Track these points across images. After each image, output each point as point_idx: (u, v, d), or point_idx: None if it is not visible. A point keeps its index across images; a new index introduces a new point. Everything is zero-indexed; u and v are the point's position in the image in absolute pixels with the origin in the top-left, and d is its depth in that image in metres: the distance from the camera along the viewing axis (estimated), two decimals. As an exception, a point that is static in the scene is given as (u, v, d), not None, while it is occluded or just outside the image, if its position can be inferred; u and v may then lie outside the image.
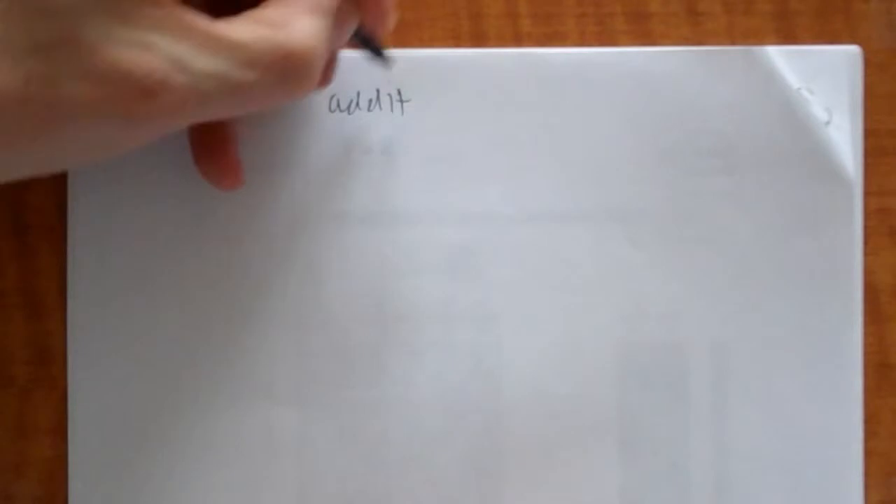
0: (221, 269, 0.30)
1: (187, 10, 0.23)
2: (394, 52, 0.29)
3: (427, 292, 0.30)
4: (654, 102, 0.30)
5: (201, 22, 0.23)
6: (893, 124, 0.31)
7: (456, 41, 0.31)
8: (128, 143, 0.24)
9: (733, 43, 0.31)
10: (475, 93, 0.30)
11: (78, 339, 0.30)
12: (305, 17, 0.24)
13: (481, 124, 0.30)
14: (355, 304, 0.30)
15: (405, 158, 0.30)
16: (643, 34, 0.31)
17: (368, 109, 0.30)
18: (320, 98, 0.30)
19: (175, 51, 0.22)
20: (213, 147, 0.29)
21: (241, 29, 0.23)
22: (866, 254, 0.31)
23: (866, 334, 0.31)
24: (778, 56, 0.30)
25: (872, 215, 0.31)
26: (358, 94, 0.30)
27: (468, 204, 0.30)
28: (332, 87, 0.29)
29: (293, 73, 0.24)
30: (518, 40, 0.31)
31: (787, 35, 0.31)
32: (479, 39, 0.31)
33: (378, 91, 0.30)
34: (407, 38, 0.31)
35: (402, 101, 0.30)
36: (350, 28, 0.26)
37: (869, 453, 0.30)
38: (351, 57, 0.29)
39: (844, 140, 0.30)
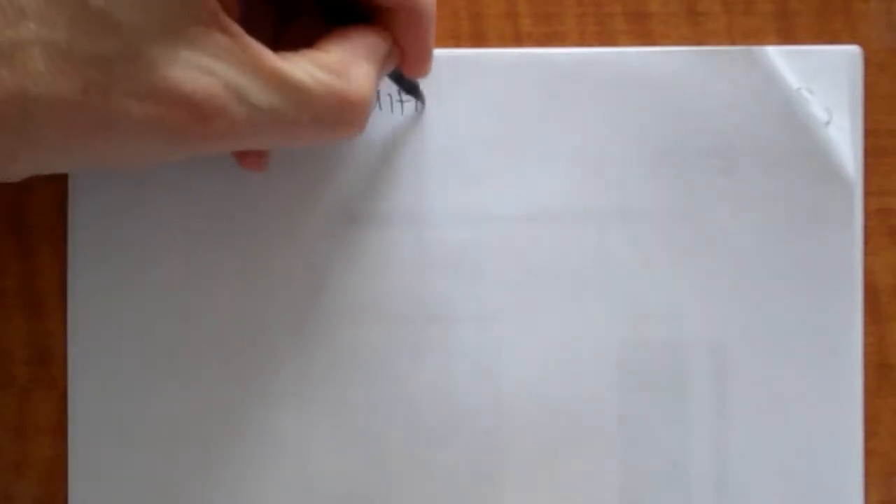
0: (221, 270, 0.30)
1: (252, 42, 0.23)
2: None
3: (427, 292, 0.30)
4: (654, 102, 0.30)
5: (265, 55, 0.23)
6: (893, 124, 0.31)
7: (456, 41, 0.31)
8: (170, 158, 0.24)
9: (733, 43, 0.31)
10: (475, 93, 0.30)
11: (78, 339, 0.30)
12: (363, 64, 0.25)
13: (481, 124, 0.30)
14: (355, 304, 0.30)
15: (405, 158, 0.30)
16: (643, 34, 0.31)
17: (368, 109, 0.30)
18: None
19: (236, 80, 0.23)
20: None
21: (302, 69, 0.24)
22: (866, 254, 0.31)
23: (866, 334, 0.31)
24: (778, 56, 0.30)
25: (872, 215, 0.31)
26: (358, 94, 0.30)
27: (468, 204, 0.30)
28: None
29: (348, 119, 0.24)
30: (518, 40, 0.31)
31: (787, 35, 0.31)
32: (479, 39, 0.31)
33: (378, 91, 0.30)
34: (407, 38, 0.31)
35: (401, 101, 0.30)
36: (389, 69, 0.27)
37: (869, 453, 0.30)
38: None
39: (844, 140, 0.30)
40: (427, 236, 0.30)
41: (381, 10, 0.26)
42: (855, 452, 0.30)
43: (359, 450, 0.30)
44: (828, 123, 0.30)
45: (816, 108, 0.30)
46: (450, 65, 0.30)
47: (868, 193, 0.31)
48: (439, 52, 0.30)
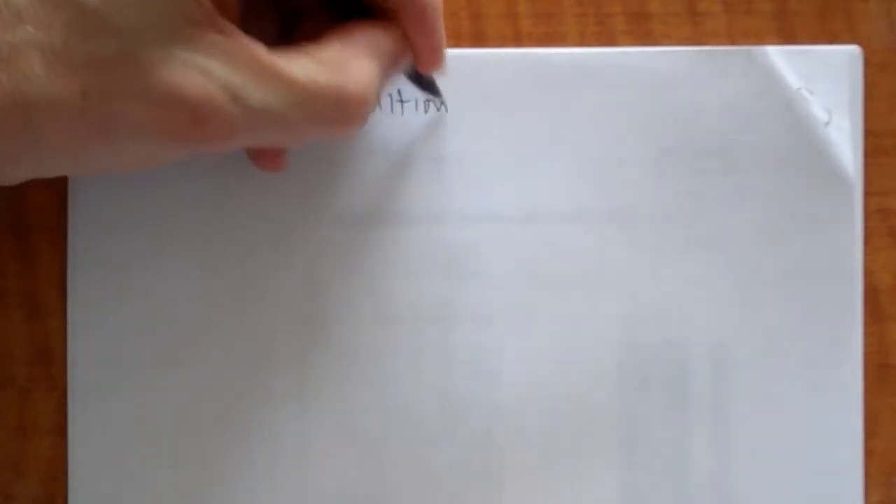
0: (221, 270, 0.30)
1: (249, 41, 0.23)
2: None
3: (426, 292, 0.30)
4: (654, 102, 0.30)
5: (262, 54, 0.23)
6: (893, 124, 0.31)
7: (456, 41, 0.31)
8: (170, 159, 0.24)
9: (733, 43, 0.31)
10: (475, 93, 0.30)
11: (78, 339, 0.30)
12: (364, 60, 0.24)
13: (481, 124, 0.30)
14: (355, 304, 0.30)
15: (405, 159, 0.30)
16: (643, 34, 0.31)
17: (368, 109, 0.30)
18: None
19: (232, 80, 0.23)
20: None
21: (299, 66, 0.23)
22: (866, 254, 0.31)
23: (866, 334, 0.31)
24: (778, 56, 0.30)
25: (872, 215, 0.31)
26: (358, 94, 0.30)
27: (468, 204, 0.30)
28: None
29: (346, 116, 0.24)
30: (518, 40, 0.31)
31: (788, 35, 0.31)
32: (479, 39, 0.31)
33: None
34: (407, 38, 0.31)
35: (402, 102, 0.30)
36: (401, 69, 0.27)
37: (869, 453, 0.30)
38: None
39: (844, 140, 0.30)
40: (427, 236, 0.30)
41: (387, 7, 0.26)
42: (855, 452, 0.30)
43: (358, 450, 0.30)
44: (828, 124, 0.30)
45: (816, 108, 0.30)
46: (450, 65, 0.30)
47: (868, 193, 0.31)
48: (439, 53, 0.30)
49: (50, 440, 0.30)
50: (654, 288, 0.30)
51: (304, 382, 0.30)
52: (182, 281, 0.30)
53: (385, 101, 0.30)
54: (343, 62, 0.24)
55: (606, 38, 0.31)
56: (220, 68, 0.22)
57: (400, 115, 0.30)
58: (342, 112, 0.24)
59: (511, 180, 0.30)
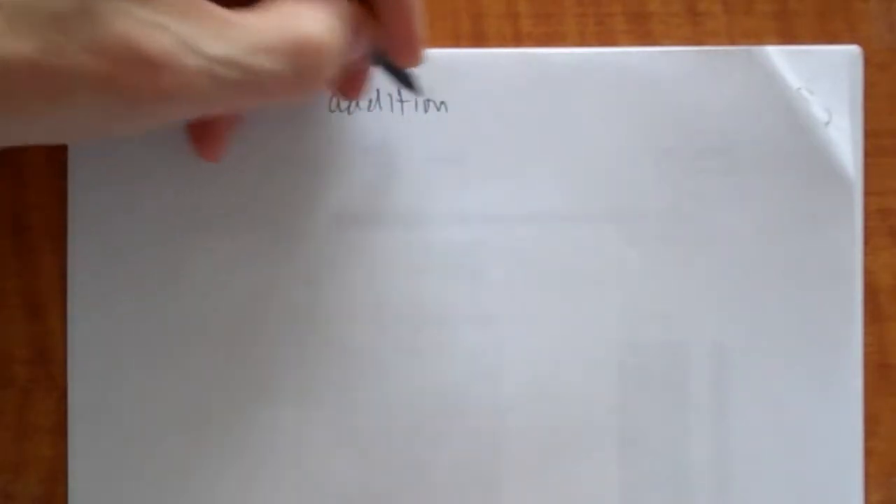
0: (221, 270, 0.30)
1: None
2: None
3: (426, 292, 0.30)
4: (654, 102, 0.30)
5: (216, 9, 0.23)
6: (893, 124, 0.31)
7: (456, 41, 0.31)
8: (135, 123, 0.24)
9: (733, 43, 0.31)
10: (475, 93, 0.30)
11: (78, 339, 0.30)
12: (320, 13, 0.24)
13: (481, 124, 0.30)
14: (355, 304, 0.30)
15: (405, 158, 0.30)
16: (643, 34, 0.31)
17: (368, 109, 0.30)
18: (319, 98, 0.30)
19: (188, 34, 0.23)
20: (209, 120, 0.29)
21: (254, 17, 0.23)
22: (866, 254, 0.31)
23: (866, 334, 0.31)
24: (778, 56, 0.30)
25: (872, 215, 0.31)
26: (358, 94, 0.30)
27: (468, 204, 0.30)
28: (332, 87, 0.29)
29: (304, 63, 0.24)
30: (518, 40, 0.31)
31: (788, 35, 0.31)
32: (479, 39, 0.31)
33: (378, 91, 0.30)
34: (407, 38, 0.31)
35: (401, 102, 0.30)
36: (368, 42, 0.26)
37: (869, 453, 0.30)
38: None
39: (844, 140, 0.30)
40: (427, 237, 0.30)
41: None
42: (855, 452, 0.30)
43: (358, 450, 0.30)
44: (828, 123, 0.30)
45: (816, 108, 0.30)
46: (450, 65, 0.30)
47: (868, 193, 0.31)
48: (439, 52, 0.30)
49: (50, 440, 0.30)
50: (654, 287, 0.30)
51: (304, 382, 0.30)
52: (182, 281, 0.30)
53: (385, 100, 0.30)
54: (297, 11, 0.24)
55: (606, 38, 0.31)
56: (175, 22, 0.22)
57: (400, 115, 0.30)
58: (300, 57, 0.24)
59: (511, 180, 0.30)
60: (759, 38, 0.31)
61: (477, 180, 0.30)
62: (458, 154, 0.30)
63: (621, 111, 0.30)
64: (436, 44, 0.31)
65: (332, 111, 0.30)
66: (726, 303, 0.30)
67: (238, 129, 0.30)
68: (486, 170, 0.30)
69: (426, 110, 0.30)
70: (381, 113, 0.30)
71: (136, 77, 0.22)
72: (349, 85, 0.29)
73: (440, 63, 0.30)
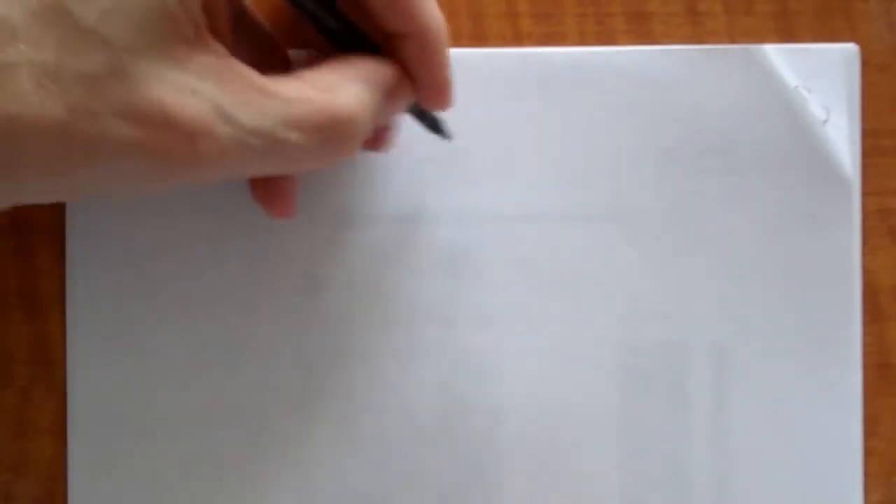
0: (220, 269, 0.30)
1: (241, 64, 0.23)
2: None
3: (426, 292, 0.30)
4: (653, 102, 0.30)
5: (251, 76, 0.23)
6: (893, 124, 0.31)
7: (456, 41, 0.31)
8: (165, 186, 0.24)
9: (733, 43, 0.31)
10: (475, 93, 0.30)
11: (77, 339, 0.30)
12: (354, 84, 0.24)
13: (481, 124, 0.30)
14: (354, 303, 0.30)
15: (404, 158, 0.30)
16: (643, 34, 0.31)
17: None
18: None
19: (222, 101, 0.22)
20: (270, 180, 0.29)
21: (288, 87, 0.23)
22: (866, 254, 0.31)
23: (866, 334, 0.31)
24: (775, 54, 0.30)
25: (872, 215, 0.31)
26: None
27: (467, 204, 0.30)
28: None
29: (336, 137, 0.24)
30: (518, 40, 0.31)
31: (788, 35, 0.31)
32: (479, 39, 0.31)
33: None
34: (407, 38, 0.31)
35: (401, 101, 0.30)
36: (404, 102, 0.26)
37: (869, 453, 0.30)
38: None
39: (842, 138, 0.30)
40: (426, 236, 0.30)
41: (389, 39, 0.25)
42: (854, 452, 0.30)
43: (357, 449, 0.30)
44: (825, 122, 0.30)
45: (814, 106, 0.30)
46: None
47: (868, 193, 0.31)
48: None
49: (50, 440, 0.30)
50: (654, 287, 0.30)
51: (304, 382, 0.30)
52: (181, 281, 0.30)
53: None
54: (333, 85, 0.24)
55: (606, 38, 0.31)
56: (211, 89, 0.22)
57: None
58: (331, 132, 0.24)
59: (511, 180, 0.30)
60: (759, 38, 0.31)
61: (477, 180, 0.30)
62: (457, 154, 0.30)
63: (620, 110, 0.30)
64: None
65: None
66: (726, 302, 0.30)
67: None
68: (486, 169, 0.30)
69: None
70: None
71: (169, 144, 0.22)
72: (376, 139, 0.29)
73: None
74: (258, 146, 0.23)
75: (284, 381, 0.30)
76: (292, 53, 0.29)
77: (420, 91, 0.26)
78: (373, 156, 0.30)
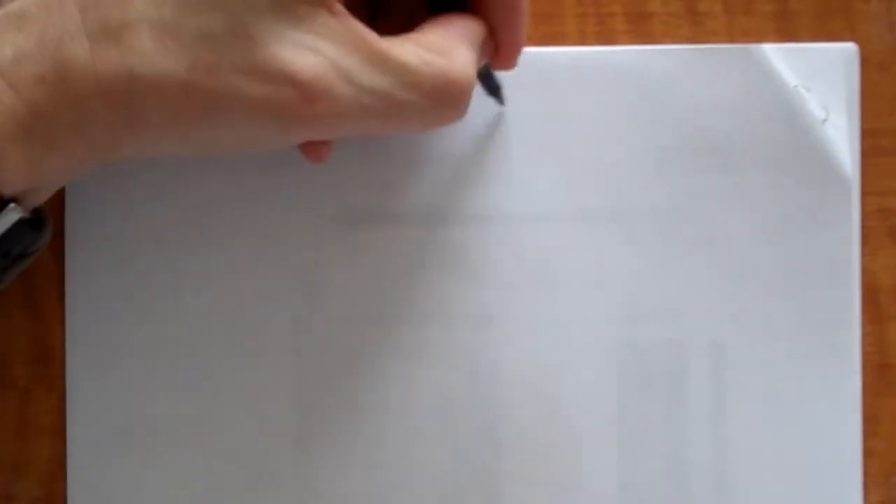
0: (220, 270, 0.30)
1: (357, 23, 0.23)
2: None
3: (425, 292, 0.30)
4: (653, 101, 0.30)
5: (371, 37, 0.23)
6: (893, 124, 0.31)
7: (456, 41, 0.31)
8: (278, 143, 0.24)
9: (733, 43, 0.31)
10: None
11: (76, 339, 0.30)
12: (464, 47, 0.25)
13: (481, 124, 0.30)
14: (354, 304, 0.30)
15: (404, 158, 0.30)
16: (643, 34, 0.31)
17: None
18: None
19: (343, 61, 0.22)
20: None
21: (406, 50, 0.24)
22: (866, 254, 0.31)
23: (866, 334, 0.31)
24: (775, 53, 0.30)
25: (872, 215, 0.31)
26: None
27: (467, 203, 0.30)
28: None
29: (450, 100, 0.24)
30: (518, 40, 0.31)
31: (788, 35, 0.31)
32: (478, 39, 0.31)
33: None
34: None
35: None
36: (482, 62, 0.27)
37: (869, 453, 0.30)
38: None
39: (841, 137, 0.30)
40: (425, 236, 0.30)
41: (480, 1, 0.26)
42: (854, 452, 0.30)
43: (357, 449, 0.30)
44: (825, 121, 0.30)
45: (813, 105, 0.30)
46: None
47: (867, 193, 0.31)
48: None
49: (50, 440, 0.30)
50: (653, 287, 0.30)
51: (303, 382, 0.30)
52: (181, 281, 0.30)
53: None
54: (447, 48, 0.24)
55: (606, 38, 0.31)
56: (332, 49, 0.22)
57: None
58: (447, 95, 0.24)
59: (510, 179, 0.30)
60: (759, 38, 0.31)
61: (475, 180, 0.30)
62: (457, 154, 0.30)
63: (620, 110, 0.30)
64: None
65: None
66: (725, 302, 0.30)
67: None
68: (485, 169, 0.30)
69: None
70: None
71: (289, 102, 0.22)
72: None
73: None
74: (375, 106, 0.23)
75: (283, 381, 0.30)
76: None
77: (498, 49, 0.27)
78: (372, 156, 0.30)
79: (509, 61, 0.27)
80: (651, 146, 0.30)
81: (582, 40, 0.31)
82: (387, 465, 0.30)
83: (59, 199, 0.30)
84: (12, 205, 0.23)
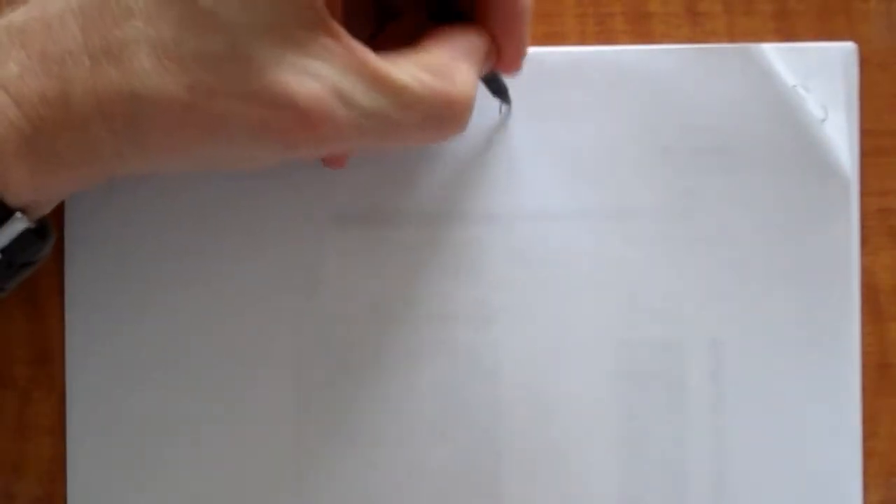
0: (220, 269, 0.30)
1: (357, 44, 0.23)
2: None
3: (425, 292, 0.30)
4: (652, 101, 0.30)
5: (369, 57, 0.23)
6: (893, 124, 0.31)
7: (456, 41, 0.31)
8: (278, 160, 0.24)
9: (733, 43, 0.31)
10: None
11: (76, 339, 0.30)
12: (464, 65, 0.25)
13: (480, 124, 0.30)
14: (354, 303, 0.30)
15: (404, 158, 0.30)
16: (643, 34, 0.31)
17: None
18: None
19: (343, 84, 0.23)
20: None
21: (406, 71, 0.24)
22: (866, 254, 0.31)
23: (866, 334, 0.31)
24: (774, 53, 0.30)
25: (872, 215, 0.31)
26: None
27: (466, 203, 0.30)
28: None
29: (450, 120, 0.24)
30: (518, 40, 0.31)
31: (788, 35, 0.31)
32: (478, 39, 0.31)
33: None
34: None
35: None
36: (486, 69, 0.27)
37: (869, 453, 0.30)
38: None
39: (841, 137, 0.30)
40: (425, 236, 0.30)
41: (481, 5, 0.26)
42: (854, 452, 0.30)
43: (357, 449, 0.30)
44: (824, 121, 0.30)
45: (812, 105, 0.30)
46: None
47: (868, 193, 0.31)
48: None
49: (50, 440, 0.30)
50: (652, 286, 0.30)
51: (303, 382, 0.30)
52: (180, 281, 0.30)
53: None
54: (448, 68, 0.24)
55: (606, 38, 0.31)
56: (331, 72, 0.22)
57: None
58: (449, 116, 0.24)
59: (510, 179, 0.30)
60: (758, 38, 0.31)
61: (476, 179, 0.30)
62: (457, 153, 0.30)
63: (619, 109, 0.30)
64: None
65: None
66: (724, 301, 0.30)
67: None
68: (485, 169, 0.30)
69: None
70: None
71: (289, 125, 0.22)
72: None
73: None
74: (375, 127, 0.23)
75: (282, 380, 0.30)
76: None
77: (501, 54, 0.27)
78: (372, 157, 0.30)
79: (513, 67, 0.27)
80: (651, 146, 0.30)
81: (582, 40, 0.31)
82: (386, 464, 0.30)
83: (58, 199, 0.30)
84: (18, 214, 0.23)
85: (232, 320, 0.30)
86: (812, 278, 0.30)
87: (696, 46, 0.30)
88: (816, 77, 0.30)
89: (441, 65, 0.24)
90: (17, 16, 0.22)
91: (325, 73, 0.22)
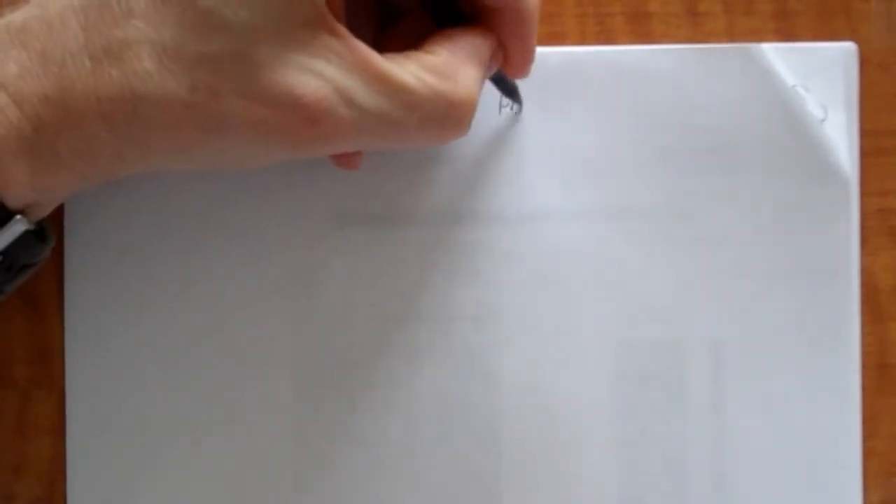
0: (220, 269, 0.30)
1: (360, 44, 0.23)
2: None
3: (425, 292, 0.30)
4: (652, 101, 0.30)
5: (372, 57, 0.23)
6: (893, 124, 0.31)
7: (456, 41, 0.31)
8: (281, 159, 0.24)
9: (733, 43, 0.31)
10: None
11: (76, 339, 0.30)
12: (468, 67, 0.25)
13: (480, 124, 0.30)
14: (354, 303, 0.30)
15: (404, 158, 0.30)
16: (643, 34, 0.31)
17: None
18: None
19: (345, 84, 0.23)
20: None
21: (409, 72, 0.24)
22: (866, 254, 0.31)
23: (866, 334, 0.31)
24: (773, 53, 0.30)
25: (872, 215, 0.31)
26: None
27: (467, 203, 0.30)
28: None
29: (452, 122, 0.24)
30: (518, 40, 0.31)
31: (788, 35, 0.31)
32: (478, 39, 0.31)
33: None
34: (406, 38, 0.31)
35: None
36: (492, 71, 0.27)
37: (869, 453, 0.30)
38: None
39: (840, 137, 0.30)
40: (425, 236, 0.30)
41: (486, 9, 0.26)
42: (854, 452, 0.30)
43: (357, 449, 0.30)
44: (823, 121, 0.30)
45: (812, 105, 0.30)
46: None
47: (868, 193, 0.31)
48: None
49: (50, 440, 0.30)
50: (652, 286, 0.30)
51: (303, 382, 0.30)
52: (180, 281, 0.30)
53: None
54: (451, 68, 0.24)
55: (606, 38, 0.31)
56: (334, 71, 0.22)
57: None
58: (452, 117, 0.24)
59: (510, 179, 0.30)
60: (758, 39, 0.31)
61: (476, 180, 0.30)
62: (457, 153, 0.30)
63: (619, 110, 0.30)
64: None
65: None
66: (724, 301, 0.30)
67: None
68: (485, 169, 0.30)
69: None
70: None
71: (291, 125, 0.22)
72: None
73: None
74: (377, 127, 0.23)
75: (282, 380, 0.30)
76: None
77: (510, 58, 0.27)
78: (372, 157, 0.30)
79: (520, 71, 0.27)
80: (650, 145, 0.30)
81: (582, 40, 0.31)
82: (386, 464, 0.30)
83: (58, 199, 0.30)
84: (18, 216, 0.23)
85: (232, 320, 0.30)
86: (812, 278, 0.30)
87: (696, 46, 0.30)
88: (816, 77, 0.30)
89: (444, 66, 0.24)
90: (17, 15, 0.22)
91: (327, 72, 0.22)
